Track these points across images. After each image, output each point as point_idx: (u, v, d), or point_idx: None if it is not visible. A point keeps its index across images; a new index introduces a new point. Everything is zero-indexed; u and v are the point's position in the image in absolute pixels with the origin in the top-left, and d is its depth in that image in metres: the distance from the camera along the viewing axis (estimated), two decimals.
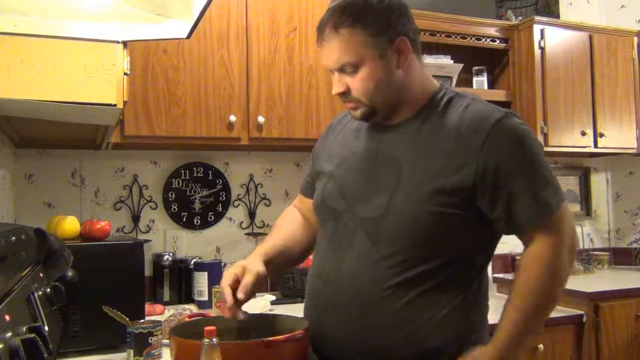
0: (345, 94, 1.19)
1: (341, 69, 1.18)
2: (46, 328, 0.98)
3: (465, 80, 2.88)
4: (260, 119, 2.20)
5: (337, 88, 1.20)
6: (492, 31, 2.79)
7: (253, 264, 1.21)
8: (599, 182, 3.37)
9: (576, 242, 1.18)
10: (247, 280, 1.17)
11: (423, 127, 1.19)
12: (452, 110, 1.19)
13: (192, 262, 2.34)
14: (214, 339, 1.02)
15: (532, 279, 1.13)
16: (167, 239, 2.46)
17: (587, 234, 3.30)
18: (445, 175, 1.12)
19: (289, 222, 1.43)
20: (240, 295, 1.15)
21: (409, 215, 1.13)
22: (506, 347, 1.11)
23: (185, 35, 1.41)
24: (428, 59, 2.71)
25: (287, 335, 1.14)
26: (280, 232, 1.39)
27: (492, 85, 2.93)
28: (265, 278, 1.23)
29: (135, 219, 2.41)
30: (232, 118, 2.16)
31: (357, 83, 1.16)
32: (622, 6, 3.33)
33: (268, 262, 1.24)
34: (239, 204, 2.59)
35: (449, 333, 1.14)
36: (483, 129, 1.13)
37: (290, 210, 1.49)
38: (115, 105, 1.36)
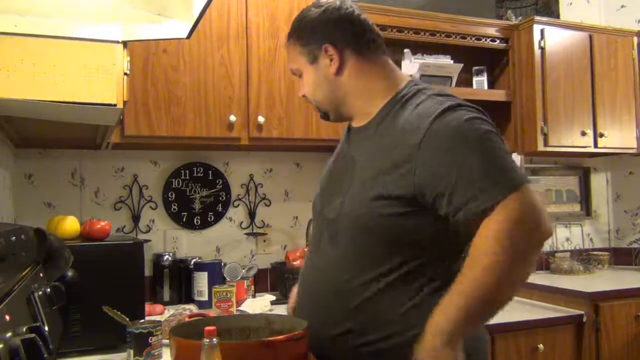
0: (305, 97, 1.35)
1: (294, 74, 1.35)
2: (46, 328, 0.98)
3: (465, 80, 2.88)
4: (260, 119, 2.20)
5: (299, 91, 1.37)
6: (492, 31, 2.79)
7: None
8: (599, 182, 3.37)
9: (535, 226, 1.05)
10: None
11: (379, 128, 1.22)
12: (406, 109, 1.19)
13: (192, 262, 2.34)
14: (214, 339, 1.02)
15: (465, 269, 1.08)
16: (167, 239, 2.46)
17: (587, 234, 3.30)
18: (387, 177, 1.14)
19: None
20: None
21: (355, 216, 1.18)
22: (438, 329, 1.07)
23: (185, 35, 1.41)
24: (428, 59, 2.72)
25: (287, 335, 1.14)
26: None
27: (492, 85, 2.93)
28: None
29: (135, 219, 2.41)
30: (232, 118, 2.16)
31: (304, 87, 1.33)
32: (622, 6, 3.33)
33: None
34: (239, 204, 2.59)
35: (406, 328, 1.14)
36: (422, 127, 1.12)
37: None
38: (115, 105, 1.36)
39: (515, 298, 3.03)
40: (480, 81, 2.86)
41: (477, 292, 1.05)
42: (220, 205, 2.55)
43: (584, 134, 2.79)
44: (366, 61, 1.27)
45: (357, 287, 1.18)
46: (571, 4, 3.34)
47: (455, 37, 2.70)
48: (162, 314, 2.10)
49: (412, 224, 1.14)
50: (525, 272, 1.08)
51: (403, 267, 1.16)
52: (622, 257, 3.27)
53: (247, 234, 2.57)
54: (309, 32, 1.27)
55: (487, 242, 1.04)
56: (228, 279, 2.29)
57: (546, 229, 1.06)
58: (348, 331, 1.19)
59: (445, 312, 1.06)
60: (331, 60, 1.26)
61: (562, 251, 3.18)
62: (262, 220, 2.61)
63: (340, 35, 1.25)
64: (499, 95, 2.82)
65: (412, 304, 1.15)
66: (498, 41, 2.81)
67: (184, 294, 2.36)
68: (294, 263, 2.40)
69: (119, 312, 1.51)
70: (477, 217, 1.06)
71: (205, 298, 2.25)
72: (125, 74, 1.40)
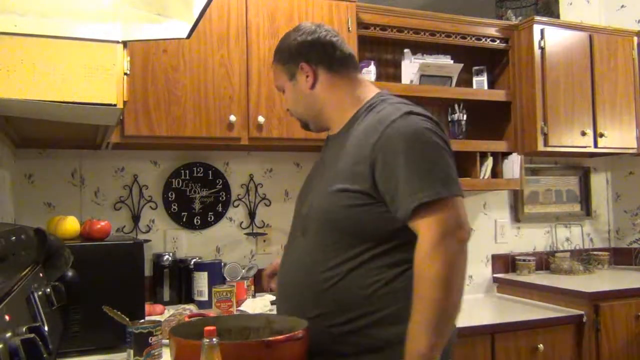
0: (289, 111, 1.53)
1: (278, 90, 1.54)
2: (46, 328, 0.98)
3: (465, 80, 2.88)
4: (260, 119, 2.20)
5: (284, 106, 1.60)
6: (492, 31, 2.79)
7: None
8: (599, 182, 3.37)
9: (459, 235, 1.19)
10: None
11: (347, 134, 1.37)
12: (369, 116, 1.34)
13: (192, 262, 2.34)
14: (214, 339, 1.02)
15: (415, 287, 1.19)
16: (167, 239, 2.46)
17: (587, 234, 3.30)
18: (348, 173, 1.29)
19: None
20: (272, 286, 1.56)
21: (321, 209, 1.34)
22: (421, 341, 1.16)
23: (185, 35, 1.41)
24: (428, 59, 2.72)
25: (287, 335, 1.14)
26: None
27: (492, 85, 2.93)
28: None
29: (135, 219, 2.41)
30: (232, 118, 2.16)
31: (286, 102, 1.51)
32: (622, 6, 3.33)
33: None
34: (239, 204, 2.59)
35: (372, 310, 1.26)
36: (379, 129, 1.26)
37: None
38: (115, 105, 1.36)
39: (516, 298, 3.05)
40: (480, 81, 2.86)
41: (433, 308, 1.15)
42: (220, 205, 2.55)
43: (584, 134, 2.79)
44: (337, 76, 1.43)
45: (324, 272, 1.30)
46: (571, 4, 3.34)
47: (455, 37, 2.70)
48: (162, 314, 2.10)
49: (372, 214, 1.27)
50: (462, 273, 1.20)
51: (366, 253, 1.28)
52: (622, 257, 3.28)
53: (247, 234, 2.57)
54: (288, 53, 1.44)
55: (425, 258, 1.17)
56: (228, 279, 2.29)
57: (468, 233, 1.21)
58: (318, 315, 1.29)
59: (417, 339, 1.15)
60: (307, 76, 1.42)
61: (562, 251, 3.18)
62: (262, 220, 2.61)
63: (314, 55, 1.42)
64: (499, 95, 2.82)
65: (376, 286, 1.27)
66: (498, 41, 2.81)
67: (184, 294, 2.36)
68: None
69: (119, 312, 1.51)
70: (410, 218, 1.20)
71: (205, 298, 2.24)
72: (125, 74, 1.40)
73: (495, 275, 3.02)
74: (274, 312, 1.95)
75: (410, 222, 1.21)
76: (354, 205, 1.27)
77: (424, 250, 1.17)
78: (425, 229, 1.18)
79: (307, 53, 1.42)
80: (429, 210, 1.18)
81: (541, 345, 2.32)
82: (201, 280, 2.26)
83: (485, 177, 2.74)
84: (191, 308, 2.05)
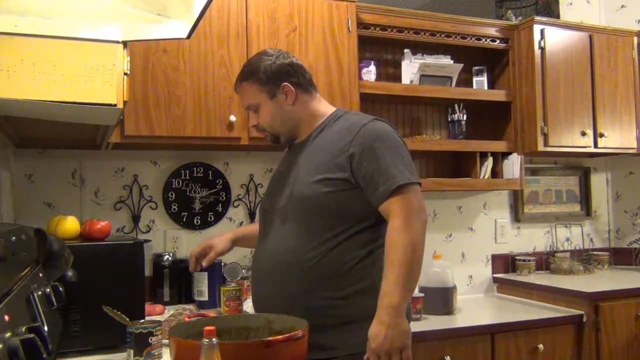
0: (257, 126, 1.70)
1: (249, 109, 1.69)
2: (45, 328, 0.99)
3: (465, 80, 2.88)
4: None
5: (251, 122, 1.74)
6: (492, 31, 2.79)
7: (219, 244, 1.85)
8: (599, 182, 3.37)
9: (422, 216, 1.46)
10: (211, 256, 1.82)
11: (316, 139, 1.63)
12: (337, 124, 1.62)
13: None
14: (214, 339, 1.02)
15: (389, 253, 1.45)
16: (167, 239, 2.46)
17: (587, 234, 3.30)
18: (327, 165, 1.54)
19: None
20: (203, 264, 1.83)
21: (302, 196, 1.55)
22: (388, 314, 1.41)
23: (185, 35, 1.41)
24: (428, 59, 2.72)
25: (287, 335, 1.14)
26: (253, 225, 2.02)
27: (492, 85, 2.93)
28: (226, 252, 1.88)
29: (135, 219, 2.41)
30: (232, 118, 2.16)
31: (261, 118, 1.66)
32: (622, 6, 3.33)
33: (235, 241, 1.89)
34: (239, 204, 2.59)
35: (353, 282, 1.50)
36: (354, 131, 1.54)
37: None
38: (115, 105, 1.36)
39: (516, 298, 3.06)
40: (480, 81, 2.86)
41: (404, 269, 1.42)
42: (220, 205, 2.55)
43: (584, 134, 2.79)
44: (308, 94, 1.66)
45: (310, 252, 1.51)
46: (571, 4, 3.34)
47: (455, 37, 2.70)
48: (162, 314, 2.10)
49: (350, 198, 1.52)
50: (423, 244, 1.46)
51: (343, 234, 1.51)
52: (622, 257, 3.28)
53: None
54: (267, 74, 1.61)
55: (399, 230, 1.44)
56: (228, 279, 2.29)
57: (426, 216, 1.50)
58: (304, 291, 1.50)
59: (391, 294, 1.41)
60: (287, 95, 1.62)
61: (562, 251, 3.18)
62: None
63: (293, 76, 1.63)
64: (499, 95, 2.82)
65: (352, 262, 1.51)
66: (498, 41, 2.81)
67: (184, 294, 2.36)
68: None
69: (119, 312, 1.51)
70: (384, 200, 1.47)
71: (205, 298, 2.24)
72: (125, 74, 1.40)
73: (495, 275, 3.02)
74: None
75: (383, 204, 1.48)
76: (334, 191, 1.52)
77: (397, 224, 1.44)
78: (398, 207, 1.45)
79: (287, 74, 1.63)
80: (400, 194, 1.46)
81: (541, 345, 2.32)
82: (201, 281, 2.26)
83: (485, 177, 2.75)
84: (191, 308, 2.05)
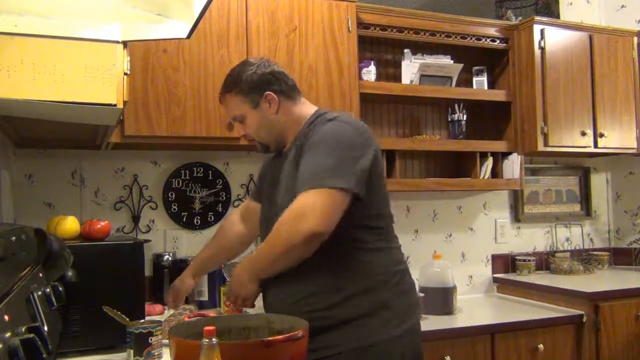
0: (245, 136, 1.73)
1: (234, 120, 1.69)
2: (45, 328, 0.98)
3: (465, 80, 2.88)
4: None
5: (239, 133, 1.77)
6: (492, 31, 2.79)
7: (182, 287, 1.90)
8: (599, 182, 3.37)
9: (305, 221, 1.39)
10: (179, 299, 1.91)
11: (295, 146, 1.60)
12: (313, 128, 1.57)
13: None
14: (214, 339, 1.02)
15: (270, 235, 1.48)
16: (167, 239, 2.46)
17: (587, 234, 3.30)
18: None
19: (219, 236, 1.98)
20: (178, 305, 1.92)
21: (286, 205, 1.49)
22: (245, 269, 1.54)
23: (185, 35, 1.41)
24: (428, 59, 2.72)
25: (287, 335, 1.14)
26: (211, 246, 1.97)
27: (492, 85, 2.93)
28: (194, 285, 1.96)
29: (135, 219, 2.41)
30: None
31: (247, 128, 1.67)
32: (622, 6, 3.33)
33: (197, 275, 1.94)
34: (239, 204, 2.58)
35: (355, 282, 1.49)
36: (315, 129, 1.54)
37: (224, 224, 2.02)
38: (115, 105, 1.36)
39: (515, 298, 3.06)
40: (480, 81, 2.86)
41: (269, 250, 1.48)
42: (220, 205, 2.55)
43: (584, 134, 2.79)
44: (292, 101, 1.66)
45: (308, 258, 1.49)
46: (571, 4, 3.34)
47: (455, 37, 2.70)
48: (162, 314, 2.10)
49: None
50: (291, 250, 1.43)
51: (341, 236, 1.46)
52: (622, 257, 3.28)
53: None
54: (249, 84, 1.62)
55: (288, 220, 1.43)
56: (228, 279, 2.29)
57: (324, 225, 1.39)
58: (305, 296, 1.50)
59: (250, 259, 1.54)
60: (270, 104, 1.62)
61: (562, 251, 3.18)
62: None
63: (275, 84, 1.64)
64: (499, 95, 2.82)
65: (355, 262, 1.51)
66: (498, 41, 2.81)
67: None
68: None
69: (119, 312, 1.51)
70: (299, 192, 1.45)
71: (205, 298, 2.25)
72: (125, 74, 1.40)
73: (495, 275, 3.03)
74: None
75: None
76: None
77: (290, 215, 1.42)
78: (299, 199, 1.42)
79: (270, 83, 1.63)
80: (304, 193, 1.42)
81: (541, 345, 2.32)
82: (201, 281, 2.26)
83: (485, 177, 2.75)
84: (191, 308, 2.05)
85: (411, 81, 2.71)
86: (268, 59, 1.70)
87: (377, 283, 1.50)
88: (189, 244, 2.49)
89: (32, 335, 0.83)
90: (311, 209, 1.39)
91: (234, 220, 1.97)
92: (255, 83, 1.62)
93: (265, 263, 1.50)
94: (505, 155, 2.80)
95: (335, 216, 1.41)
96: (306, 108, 1.69)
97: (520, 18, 2.97)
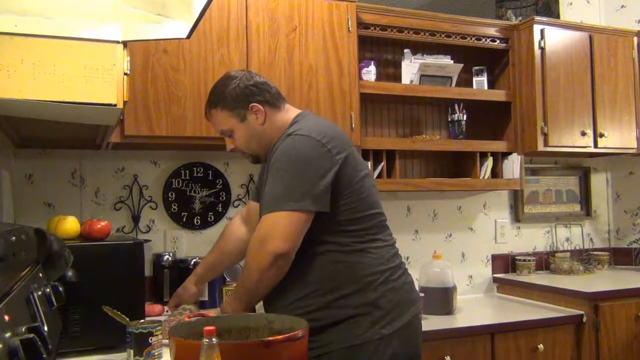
0: (235, 150, 1.72)
1: (223, 135, 1.71)
2: (45, 328, 0.98)
3: (465, 80, 2.88)
4: None
5: (228, 147, 1.74)
6: (492, 31, 2.79)
7: (186, 296, 1.93)
8: (599, 182, 3.37)
9: (267, 248, 1.45)
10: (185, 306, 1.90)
11: (268, 156, 1.63)
12: (276, 143, 1.59)
13: (192, 262, 2.33)
14: (214, 339, 1.02)
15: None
16: (167, 239, 2.46)
17: (587, 234, 3.30)
18: None
19: (221, 241, 1.99)
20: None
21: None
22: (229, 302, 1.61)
23: (185, 35, 1.41)
24: (428, 59, 2.72)
25: (287, 335, 1.14)
26: (214, 252, 1.99)
27: (492, 85, 2.93)
28: (198, 293, 1.97)
29: (135, 219, 2.41)
30: None
31: (236, 142, 1.69)
32: (622, 6, 3.33)
33: (200, 282, 1.96)
34: (239, 204, 2.59)
35: (344, 284, 1.52)
36: (276, 145, 1.57)
37: (226, 228, 2.02)
38: (115, 105, 1.36)
39: (515, 298, 3.05)
40: (480, 81, 2.86)
41: (246, 284, 1.54)
42: (220, 205, 2.55)
43: (584, 134, 2.79)
44: (277, 109, 1.68)
45: (298, 261, 1.53)
46: (571, 4, 3.34)
47: (455, 37, 2.70)
48: (162, 314, 2.10)
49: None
50: (263, 275, 1.49)
51: (329, 240, 1.53)
52: (622, 257, 3.28)
53: None
54: (234, 98, 1.64)
55: (254, 250, 1.50)
56: (228, 279, 2.29)
57: (274, 250, 1.45)
58: (297, 299, 1.54)
59: (234, 296, 1.58)
60: (257, 115, 1.65)
61: (562, 251, 3.18)
62: None
63: (259, 95, 1.65)
64: (499, 95, 2.82)
65: (343, 265, 1.53)
66: (498, 41, 2.81)
67: None
68: None
69: (119, 312, 1.51)
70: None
71: (205, 298, 2.24)
72: (125, 74, 1.40)
73: (495, 275, 3.03)
74: None
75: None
76: None
77: (254, 242, 1.50)
78: (260, 224, 1.49)
79: (254, 95, 1.65)
80: (267, 215, 1.48)
81: (541, 345, 2.32)
82: (204, 286, 2.25)
83: (485, 177, 2.75)
84: (191, 308, 2.05)
85: (411, 81, 2.71)
86: (250, 71, 1.74)
87: (364, 284, 1.52)
88: (189, 244, 2.49)
89: (32, 335, 0.83)
90: (271, 233, 1.46)
91: (236, 224, 1.98)
92: (239, 96, 1.64)
93: (247, 297, 1.55)
94: (505, 155, 2.80)
95: (295, 235, 1.46)
96: (289, 115, 1.70)
97: (520, 18, 2.97)
